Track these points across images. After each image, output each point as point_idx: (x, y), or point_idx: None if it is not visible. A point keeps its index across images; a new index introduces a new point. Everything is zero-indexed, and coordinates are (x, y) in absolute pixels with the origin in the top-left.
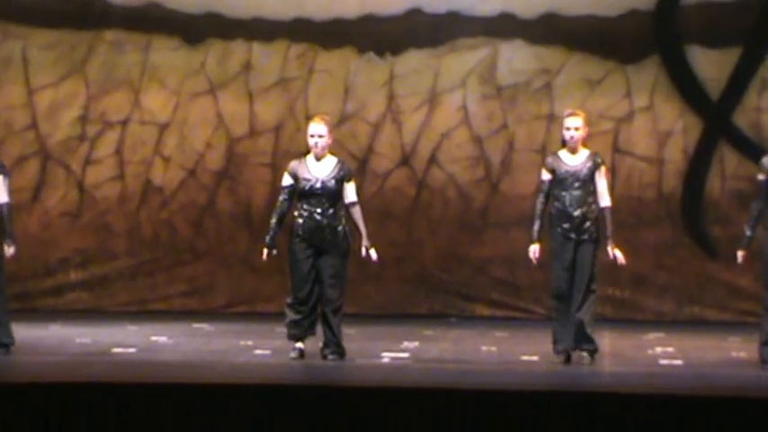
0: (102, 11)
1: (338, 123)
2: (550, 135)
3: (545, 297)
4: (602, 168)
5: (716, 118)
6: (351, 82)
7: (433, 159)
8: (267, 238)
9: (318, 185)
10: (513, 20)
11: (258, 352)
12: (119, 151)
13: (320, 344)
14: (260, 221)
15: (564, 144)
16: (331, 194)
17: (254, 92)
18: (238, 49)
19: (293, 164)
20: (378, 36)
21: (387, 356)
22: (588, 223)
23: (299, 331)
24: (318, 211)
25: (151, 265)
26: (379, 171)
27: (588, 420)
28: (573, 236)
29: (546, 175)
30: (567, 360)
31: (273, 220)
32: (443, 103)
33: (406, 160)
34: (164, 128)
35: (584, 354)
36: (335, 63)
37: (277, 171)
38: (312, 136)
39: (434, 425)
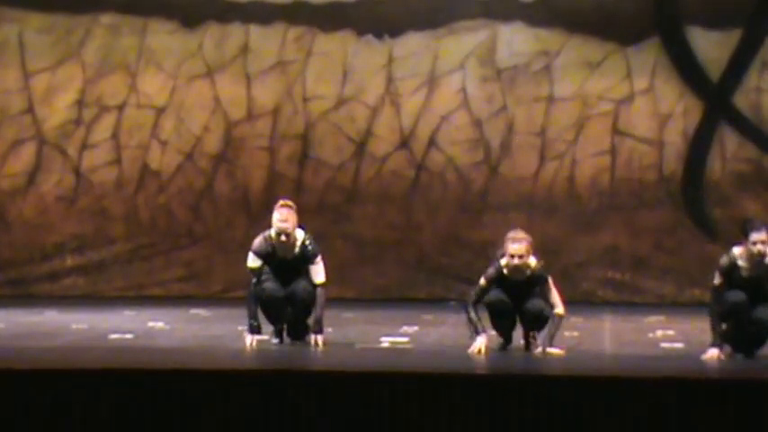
0: None
1: (336, 106)
2: (549, 117)
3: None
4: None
5: (716, 99)
6: (349, 65)
7: (432, 142)
8: (251, 325)
9: (286, 266)
10: (512, 1)
11: (256, 337)
12: (115, 135)
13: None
14: (258, 205)
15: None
16: (300, 270)
17: (251, 75)
18: (236, 32)
19: (259, 244)
20: (376, 18)
21: (386, 341)
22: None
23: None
24: (284, 277)
25: (148, 249)
26: (378, 154)
27: (590, 404)
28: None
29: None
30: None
31: (252, 308)
32: (442, 86)
33: (404, 143)
34: (161, 112)
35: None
36: (334, 46)
37: (275, 154)
38: (279, 234)
39: (434, 409)
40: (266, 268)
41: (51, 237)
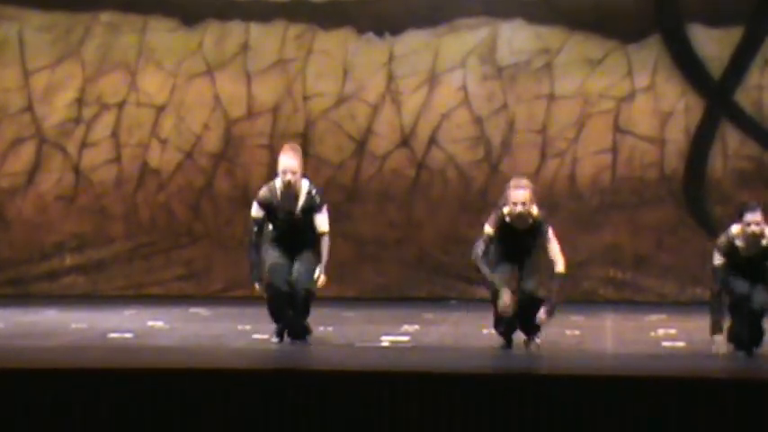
0: None
1: (337, 104)
2: (551, 115)
3: (545, 279)
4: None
5: (718, 97)
6: (349, 63)
7: (432, 140)
8: (253, 274)
9: (290, 218)
10: None
11: (256, 336)
12: (115, 134)
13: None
14: None
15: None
16: (304, 224)
17: (251, 73)
18: (236, 30)
19: (263, 193)
20: (377, 16)
21: (386, 340)
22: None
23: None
24: (292, 236)
25: (148, 248)
26: (379, 152)
27: (590, 403)
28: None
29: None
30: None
31: (252, 256)
32: (443, 84)
33: (405, 141)
34: (160, 110)
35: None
36: (334, 44)
37: (275, 153)
38: (285, 172)
39: (435, 408)
40: (272, 234)
41: (51, 236)
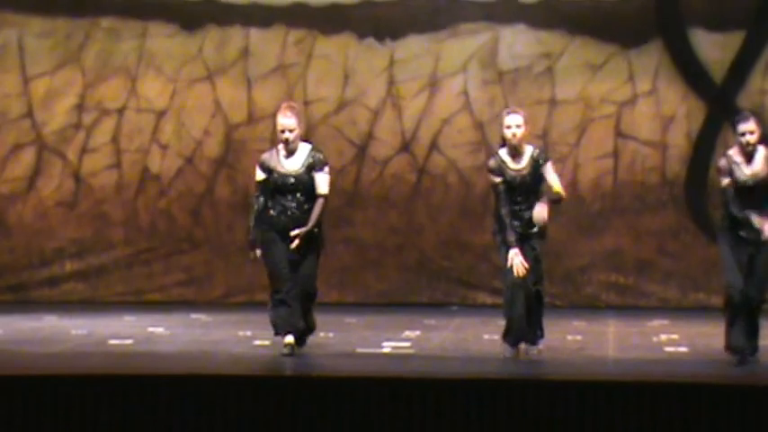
0: None
1: (337, 109)
2: (552, 120)
3: (547, 284)
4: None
5: (719, 101)
6: (350, 68)
7: (433, 145)
8: (251, 237)
9: (291, 180)
10: (513, 3)
11: (257, 342)
12: (115, 139)
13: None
14: None
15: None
16: (305, 187)
17: (252, 78)
18: (236, 35)
19: (265, 156)
20: (377, 21)
21: (388, 346)
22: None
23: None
24: (293, 206)
25: (148, 254)
26: (380, 157)
27: (593, 408)
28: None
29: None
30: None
31: (252, 221)
32: (444, 89)
33: (406, 146)
34: (161, 115)
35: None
36: (335, 49)
37: None
38: (282, 131)
39: (437, 414)
40: (272, 218)
41: (51, 242)
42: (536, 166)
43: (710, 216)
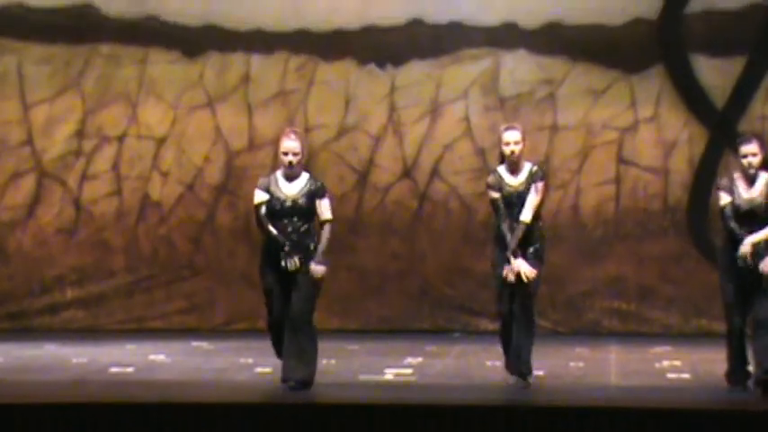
0: (98, 24)
1: (338, 136)
2: (554, 146)
3: (549, 311)
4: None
5: (721, 127)
6: (351, 94)
7: (435, 171)
8: (285, 247)
9: (289, 204)
10: (515, 30)
11: (259, 370)
12: (116, 166)
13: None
14: (260, 237)
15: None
16: (302, 211)
17: (253, 105)
18: (237, 62)
19: (263, 180)
20: (378, 47)
21: (390, 373)
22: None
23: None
24: (290, 230)
25: (149, 282)
26: (381, 184)
27: None
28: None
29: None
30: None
31: (272, 230)
32: (445, 115)
33: (407, 172)
34: (161, 142)
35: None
36: (336, 75)
37: None
38: (286, 153)
39: None
40: (268, 244)
41: (51, 269)
42: (532, 181)
43: (712, 242)
